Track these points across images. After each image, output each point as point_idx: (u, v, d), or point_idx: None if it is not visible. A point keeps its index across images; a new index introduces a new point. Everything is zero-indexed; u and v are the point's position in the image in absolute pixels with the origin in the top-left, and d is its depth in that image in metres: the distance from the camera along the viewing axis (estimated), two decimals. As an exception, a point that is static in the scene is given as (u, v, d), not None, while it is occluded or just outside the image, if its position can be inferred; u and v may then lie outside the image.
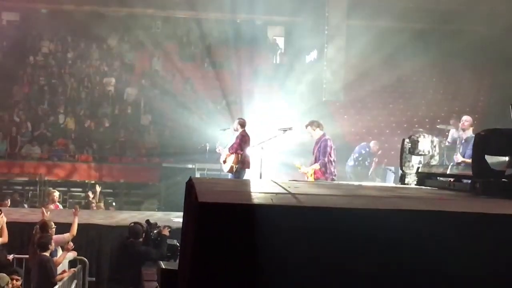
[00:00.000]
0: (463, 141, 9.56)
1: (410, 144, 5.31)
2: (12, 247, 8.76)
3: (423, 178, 5.14)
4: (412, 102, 20.45)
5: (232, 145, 10.23)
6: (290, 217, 2.47)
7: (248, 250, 2.39)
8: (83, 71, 21.41)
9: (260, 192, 3.39)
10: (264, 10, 22.04)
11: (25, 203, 15.22)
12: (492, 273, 2.50)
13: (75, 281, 8.68)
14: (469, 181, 4.14)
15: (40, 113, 19.56)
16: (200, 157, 14.69)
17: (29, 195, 16.75)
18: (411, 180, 5.23)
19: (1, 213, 8.50)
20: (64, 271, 8.30)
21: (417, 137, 5.34)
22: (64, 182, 17.47)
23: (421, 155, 5.32)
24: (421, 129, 12.95)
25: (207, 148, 12.43)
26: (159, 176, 17.73)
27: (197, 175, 15.22)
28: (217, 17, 22.59)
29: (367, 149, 14.35)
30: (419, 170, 5.24)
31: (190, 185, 3.28)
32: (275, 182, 4.28)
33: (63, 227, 8.77)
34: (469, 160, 7.90)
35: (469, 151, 8.63)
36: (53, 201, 12.05)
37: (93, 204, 13.63)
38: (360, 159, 14.13)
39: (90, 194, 14.19)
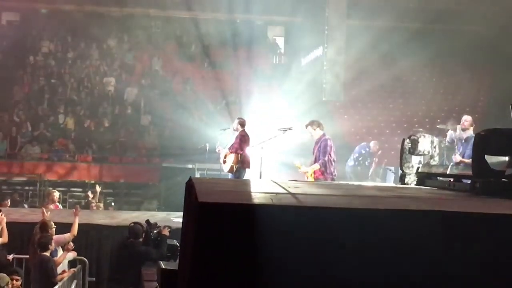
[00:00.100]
0: (463, 141, 9.56)
1: (410, 144, 5.30)
2: (12, 247, 8.75)
3: (423, 178, 5.14)
4: (412, 102, 20.46)
5: (232, 145, 10.21)
6: (290, 217, 2.47)
7: (248, 250, 2.39)
8: (83, 71, 21.38)
9: (260, 192, 3.38)
10: (263, 10, 22.01)
11: (25, 203, 15.22)
12: (492, 273, 2.50)
13: (75, 281, 8.68)
14: (469, 181, 4.14)
15: (40, 113, 19.56)
16: (200, 157, 14.66)
17: (29, 195, 16.74)
18: (411, 180, 5.22)
19: (1, 213, 8.50)
20: (64, 271, 8.31)
21: (417, 137, 5.33)
22: (64, 182, 17.45)
23: (421, 155, 5.32)
24: (421, 129, 12.94)
25: (207, 148, 12.40)
26: (159, 176, 17.72)
27: (197, 175, 15.21)
28: (217, 17, 22.58)
29: (367, 149, 14.35)
30: (419, 170, 5.23)
31: (190, 185, 3.28)
32: (275, 182, 4.28)
33: (63, 227, 8.78)
34: (468, 160, 7.94)
35: (468, 151, 8.65)
36: (53, 201, 12.03)
37: (93, 204, 13.61)
38: (360, 159, 14.13)
39: (90, 194, 14.16)
